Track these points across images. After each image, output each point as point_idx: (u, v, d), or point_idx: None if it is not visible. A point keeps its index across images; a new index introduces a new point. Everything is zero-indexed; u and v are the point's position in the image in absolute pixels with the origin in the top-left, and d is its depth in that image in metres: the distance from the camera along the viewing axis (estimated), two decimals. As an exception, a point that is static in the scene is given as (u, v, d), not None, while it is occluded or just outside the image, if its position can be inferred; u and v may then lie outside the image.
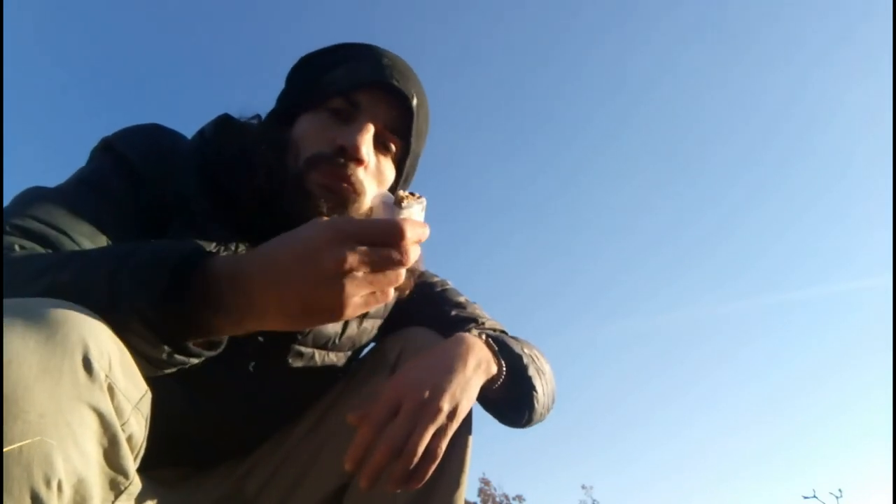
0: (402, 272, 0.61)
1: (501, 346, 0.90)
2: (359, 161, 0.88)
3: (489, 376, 0.84)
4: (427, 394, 0.73)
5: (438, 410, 0.72)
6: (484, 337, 0.89)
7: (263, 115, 1.00)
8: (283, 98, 1.00)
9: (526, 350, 0.95)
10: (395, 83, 0.91)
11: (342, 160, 0.88)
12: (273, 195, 0.87)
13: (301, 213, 0.86)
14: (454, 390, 0.75)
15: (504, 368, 0.88)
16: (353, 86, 0.91)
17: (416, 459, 0.70)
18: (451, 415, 0.74)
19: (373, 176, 0.92)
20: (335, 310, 0.57)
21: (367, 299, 0.59)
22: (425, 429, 0.71)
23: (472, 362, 0.80)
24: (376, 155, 0.92)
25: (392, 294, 0.62)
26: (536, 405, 0.93)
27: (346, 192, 0.88)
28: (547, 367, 1.01)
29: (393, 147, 0.95)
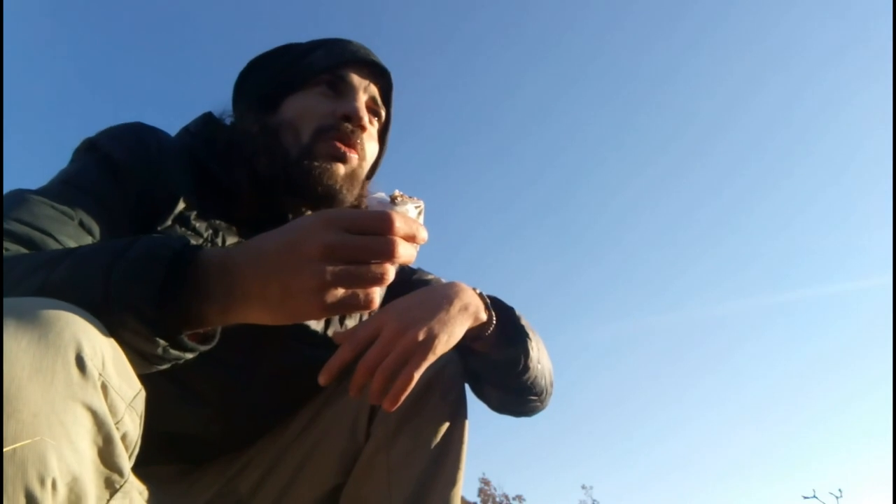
0: (390, 271, 0.59)
1: (494, 301, 0.92)
2: (363, 128, 0.96)
3: (476, 321, 0.85)
4: (406, 324, 0.76)
5: (413, 340, 0.75)
6: (478, 290, 0.90)
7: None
8: (256, 91, 1.03)
9: (522, 316, 0.96)
10: (375, 59, 1.01)
11: (349, 126, 0.94)
12: (282, 177, 0.92)
13: (316, 183, 0.91)
14: (432, 324, 0.77)
15: (494, 318, 0.89)
16: (338, 62, 0.98)
17: (387, 381, 0.74)
18: (426, 347, 0.76)
19: (371, 142, 1.00)
20: (313, 297, 0.55)
21: (348, 299, 0.57)
22: (399, 355, 0.74)
23: (457, 304, 0.82)
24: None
25: (377, 303, 0.59)
26: (531, 353, 0.92)
27: (353, 159, 0.95)
28: (543, 343, 1.01)
29: (377, 119, 1.04)
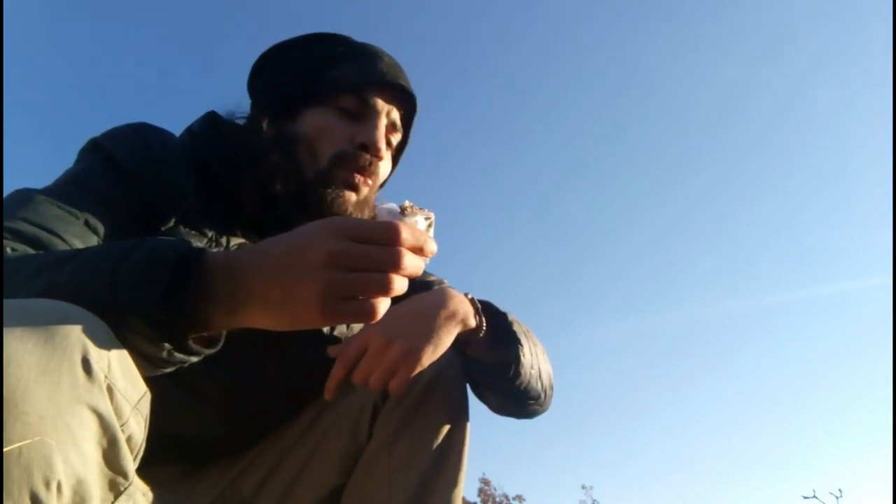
0: (396, 282, 0.57)
1: (485, 306, 0.93)
2: (379, 158, 0.97)
3: (465, 327, 0.87)
4: (391, 338, 0.79)
5: (398, 354, 0.79)
6: (469, 295, 0.91)
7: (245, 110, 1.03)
8: (276, 89, 1.01)
9: (515, 320, 0.97)
10: (403, 83, 0.99)
11: (367, 156, 0.95)
12: (295, 198, 0.92)
13: (327, 210, 0.92)
14: (417, 336, 0.80)
15: (483, 323, 0.90)
16: (366, 84, 0.97)
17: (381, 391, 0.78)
18: (411, 359, 0.79)
19: (385, 163, 1.01)
20: (314, 304, 0.55)
21: (349, 307, 0.56)
22: (385, 370, 0.79)
23: (443, 313, 0.84)
24: None
25: (380, 313, 0.58)
26: (523, 359, 0.92)
27: (365, 189, 0.96)
28: (541, 346, 1.02)
29: (393, 142, 1.03)
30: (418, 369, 0.79)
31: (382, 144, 0.97)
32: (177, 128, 1.00)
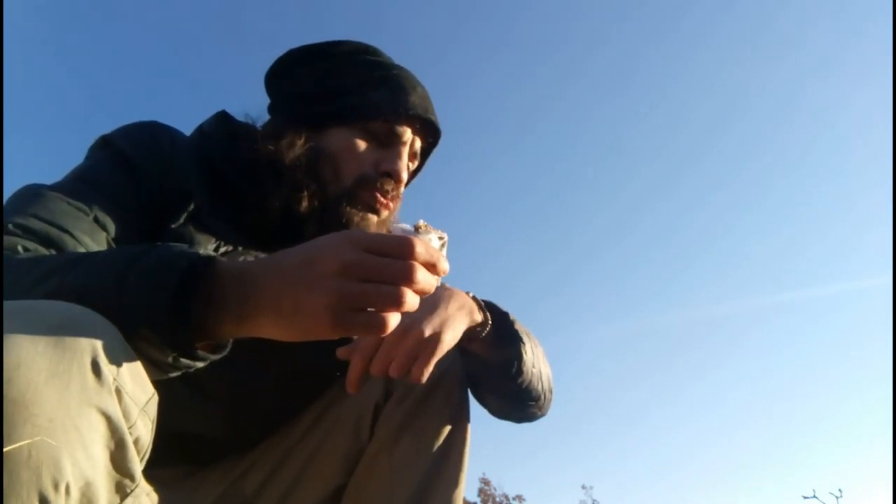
0: (408, 297, 0.57)
1: (487, 304, 0.94)
2: (400, 185, 0.99)
3: (473, 322, 0.87)
4: (407, 325, 0.77)
5: (417, 339, 0.77)
6: (471, 294, 0.92)
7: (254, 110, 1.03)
8: (303, 99, 1.01)
9: (517, 320, 0.97)
10: (432, 118, 1.01)
11: (390, 182, 0.97)
12: (317, 216, 0.93)
13: (349, 227, 0.93)
14: (435, 322, 0.79)
15: (489, 319, 0.91)
16: (397, 115, 0.98)
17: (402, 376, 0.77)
18: (432, 344, 0.77)
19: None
20: (324, 314, 0.55)
21: (359, 319, 0.56)
22: (405, 356, 0.77)
23: (453, 304, 0.84)
24: None
25: (391, 326, 0.57)
26: (525, 357, 0.93)
27: (386, 210, 0.98)
28: (541, 348, 1.02)
29: (410, 168, 1.04)
30: (438, 355, 0.77)
31: (405, 175, 0.99)
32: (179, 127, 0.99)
